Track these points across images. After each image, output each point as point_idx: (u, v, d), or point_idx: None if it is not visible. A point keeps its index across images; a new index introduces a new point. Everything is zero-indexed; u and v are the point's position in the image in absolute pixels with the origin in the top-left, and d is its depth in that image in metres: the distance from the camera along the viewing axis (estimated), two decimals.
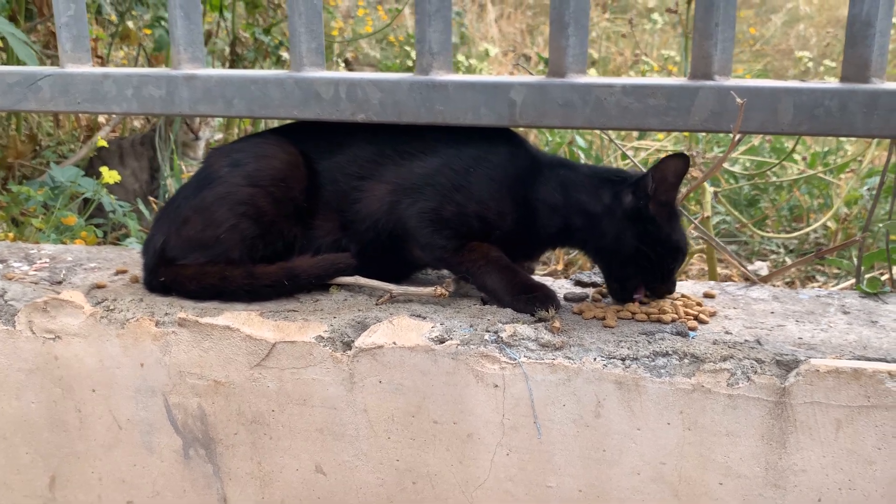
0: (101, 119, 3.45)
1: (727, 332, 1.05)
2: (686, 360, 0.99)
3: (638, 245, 1.09)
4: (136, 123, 3.65)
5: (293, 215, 1.19)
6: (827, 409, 0.94)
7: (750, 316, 1.12)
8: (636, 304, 1.11)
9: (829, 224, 2.40)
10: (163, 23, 3.20)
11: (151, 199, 2.49)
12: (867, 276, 1.33)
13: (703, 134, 2.68)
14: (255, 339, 1.08)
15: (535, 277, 1.20)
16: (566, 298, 1.19)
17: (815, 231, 2.48)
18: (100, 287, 1.22)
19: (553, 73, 1.14)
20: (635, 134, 2.78)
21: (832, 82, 1.05)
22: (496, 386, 1.02)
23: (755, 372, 0.96)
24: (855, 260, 1.64)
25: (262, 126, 2.63)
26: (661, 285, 1.13)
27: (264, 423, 1.11)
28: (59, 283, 1.25)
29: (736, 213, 2.29)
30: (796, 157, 2.80)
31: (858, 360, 0.96)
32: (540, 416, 1.02)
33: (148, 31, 3.42)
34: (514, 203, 1.15)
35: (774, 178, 2.61)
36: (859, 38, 1.04)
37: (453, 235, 1.14)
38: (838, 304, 1.17)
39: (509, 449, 1.04)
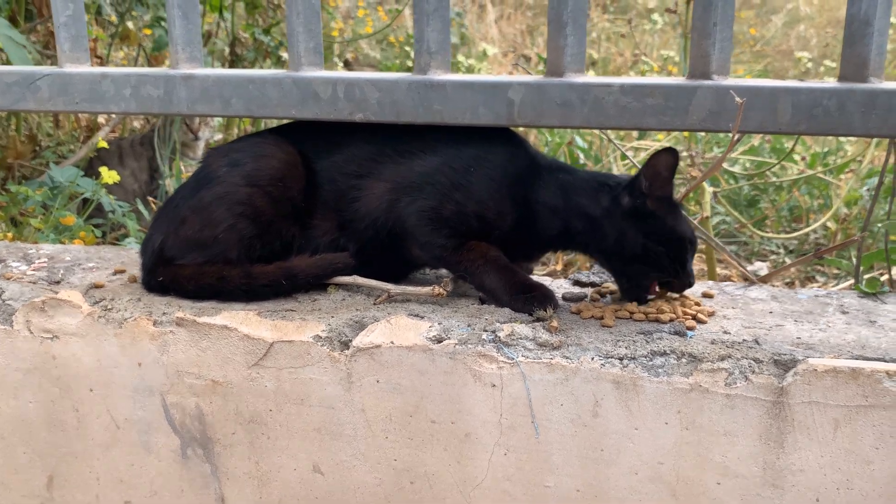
0: (101, 119, 3.45)
1: (725, 332, 1.05)
2: (684, 360, 0.98)
3: (644, 242, 1.09)
4: (136, 124, 3.65)
5: (291, 215, 1.19)
6: (825, 409, 0.94)
7: (748, 316, 1.12)
8: (634, 304, 1.11)
9: (828, 224, 2.40)
10: (162, 23, 3.20)
11: (150, 199, 2.49)
12: (866, 276, 1.33)
13: (703, 134, 2.68)
14: (253, 338, 1.08)
15: (534, 277, 1.20)
16: (564, 298, 1.19)
17: (814, 231, 2.48)
18: (98, 287, 1.23)
19: (551, 72, 1.14)
20: (635, 134, 2.78)
21: (830, 82, 1.05)
22: (494, 385, 1.02)
23: (753, 371, 0.96)
24: (854, 260, 1.64)
25: (261, 126, 2.63)
26: (678, 279, 1.11)
27: (262, 422, 1.11)
28: (58, 282, 1.25)
29: (735, 214, 2.28)
30: (796, 157, 2.80)
31: (857, 359, 0.95)
32: (538, 416, 1.02)
33: (148, 32, 3.42)
34: (514, 203, 1.15)
35: (774, 179, 2.61)
36: (857, 37, 1.03)
37: (452, 234, 1.14)
38: (837, 304, 1.17)
39: (507, 448, 1.04)
